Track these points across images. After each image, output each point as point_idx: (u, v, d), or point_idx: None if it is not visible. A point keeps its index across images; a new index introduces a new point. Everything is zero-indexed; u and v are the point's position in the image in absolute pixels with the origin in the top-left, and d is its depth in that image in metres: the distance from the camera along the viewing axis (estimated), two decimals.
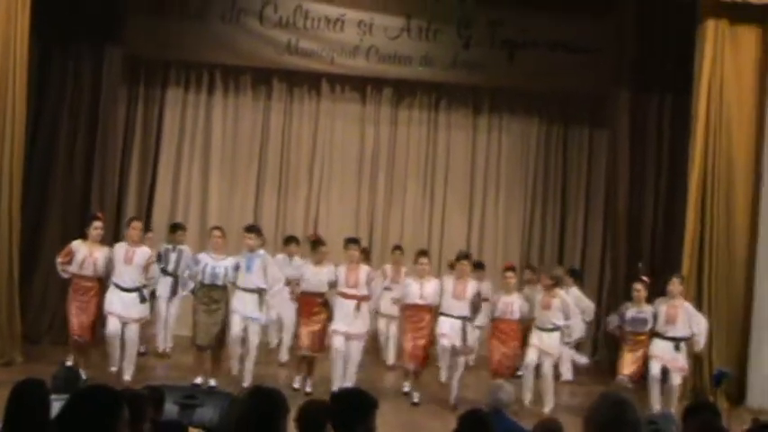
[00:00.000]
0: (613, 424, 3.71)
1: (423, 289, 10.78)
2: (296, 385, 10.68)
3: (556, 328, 10.83)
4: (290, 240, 12.65)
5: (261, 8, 14.17)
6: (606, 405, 3.80)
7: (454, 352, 10.63)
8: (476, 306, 10.87)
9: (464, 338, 10.68)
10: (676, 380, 10.59)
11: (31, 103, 11.82)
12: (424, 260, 11.07)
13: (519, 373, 11.08)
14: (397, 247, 13.15)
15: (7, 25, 11.08)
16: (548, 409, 10.66)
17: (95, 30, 13.06)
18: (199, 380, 10.41)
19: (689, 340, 10.74)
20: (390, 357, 12.81)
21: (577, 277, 13.35)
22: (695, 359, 11.72)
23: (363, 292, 10.73)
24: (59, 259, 10.58)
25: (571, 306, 11.10)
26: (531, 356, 10.77)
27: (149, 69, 14.58)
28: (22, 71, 11.25)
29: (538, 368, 10.91)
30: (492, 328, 10.98)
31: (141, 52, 13.96)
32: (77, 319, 10.43)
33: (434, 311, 10.78)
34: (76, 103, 13.09)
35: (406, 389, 10.98)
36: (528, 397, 10.80)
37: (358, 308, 10.70)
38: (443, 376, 11.06)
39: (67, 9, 12.65)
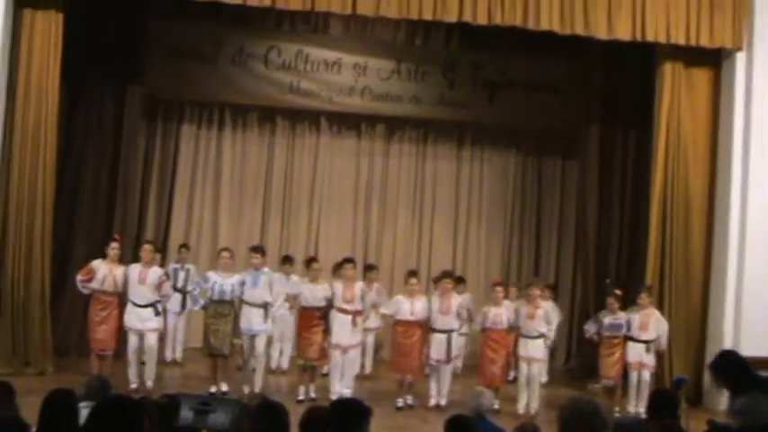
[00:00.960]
0: (585, 426, 3.82)
1: (413, 306, 10.82)
2: (300, 397, 10.56)
3: (540, 336, 11.07)
4: (286, 260, 12.59)
5: (266, 53, 14.20)
6: (578, 409, 3.93)
7: (439, 366, 10.85)
8: (461, 318, 11.09)
9: (448, 350, 10.81)
10: (646, 376, 11.10)
11: (61, 137, 11.89)
12: (413, 280, 11.12)
13: (510, 378, 11.46)
14: (370, 267, 12.98)
15: (41, 73, 11.25)
16: (534, 409, 10.85)
17: (118, 71, 13.10)
18: (213, 389, 10.53)
19: (655, 342, 11.15)
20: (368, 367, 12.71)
21: (552, 291, 13.64)
22: (659, 366, 11.92)
23: (358, 306, 10.80)
24: (80, 276, 10.65)
25: (551, 314, 11.45)
26: (524, 368, 11.05)
27: (166, 107, 14.54)
28: (54, 111, 11.37)
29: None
30: (484, 337, 11.12)
31: (159, 92, 14.00)
32: (99, 334, 10.52)
33: (425, 326, 10.87)
34: (101, 137, 13.12)
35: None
36: (522, 405, 10.93)
37: (354, 322, 10.76)
38: (433, 390, 10.95)
39: (93, 53, 12.64)
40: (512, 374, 12.01)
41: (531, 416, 10.57)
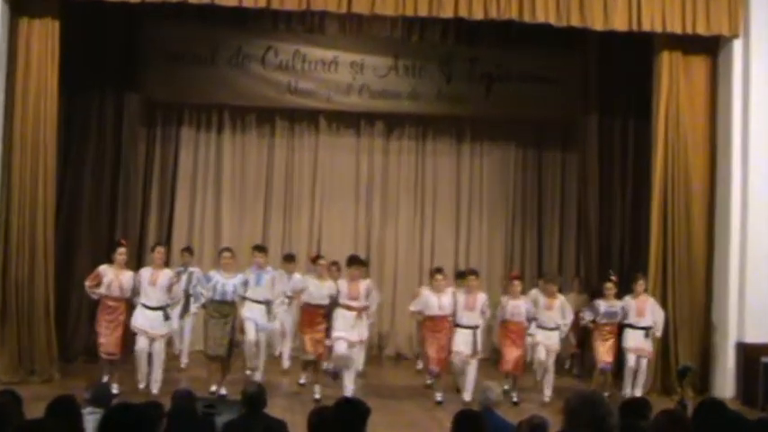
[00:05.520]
0: (592, 416, 3.84)
1: (440, 301, 10.96)
2: (301, 381, 11.06)
3: (557, 327, 11.29)
4: (288, 258, 12.71)
5: (263, 53, 14.21)
6: (584, 399, 3.97)
7: (466, 361, 10.87)
8: (485, 316, 11.19)
9: (474, 345, 10.88)
10: (644, 364, 11.23)
11: (60, 144, 11.88)
12: (439, 276, 11.23)
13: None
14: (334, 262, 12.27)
15: (39, 80, 11.28)
16: (547, 397, 11.09)
17: (115, 77, 13.12)
18: (213, 388, 10.48)
19: (652, 329, 11.24)
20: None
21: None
22: (662, 355, 11.97)
23: (363, 303, 10.82)
24: (87, 282, 10.60)
25: (567, 306, 11.57)
26: (542, 354, 11.21)
27: (165, 112, 14.59)
28: (52, 117, 11.39)
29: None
30: (503, 328, 11.30)
31: (157, 96, 14.01)
32: (107, 338, 10.47)
33: (451, 321, 10.97)
34: (101, 143, 13.10)
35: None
36: (548, 393, 11.15)
37: (359, 317, 10.72)
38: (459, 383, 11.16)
39: (90, 59, 12.69)
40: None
41: (546, 403, 10.86)
